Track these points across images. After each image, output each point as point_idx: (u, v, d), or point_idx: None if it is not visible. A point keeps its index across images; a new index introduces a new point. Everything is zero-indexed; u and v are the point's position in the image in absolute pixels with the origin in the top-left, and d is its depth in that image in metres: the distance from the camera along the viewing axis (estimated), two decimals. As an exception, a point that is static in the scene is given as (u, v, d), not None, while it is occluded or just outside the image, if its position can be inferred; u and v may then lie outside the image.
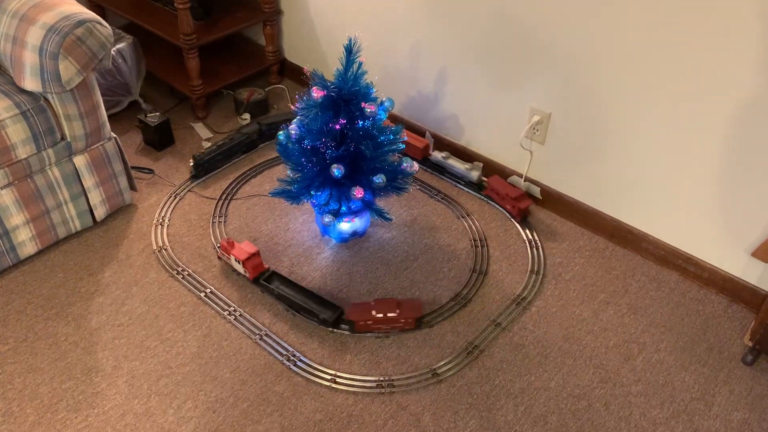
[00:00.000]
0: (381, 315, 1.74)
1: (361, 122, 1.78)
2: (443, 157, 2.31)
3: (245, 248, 1.88)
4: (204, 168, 2.30)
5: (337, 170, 1.75)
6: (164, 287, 1.91)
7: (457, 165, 2.27)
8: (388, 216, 1.93)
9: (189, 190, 2.25)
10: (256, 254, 1.88)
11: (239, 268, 1.91)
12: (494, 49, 2.04)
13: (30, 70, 1.77)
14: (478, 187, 2.26)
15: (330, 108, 1.75)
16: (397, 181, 1.88)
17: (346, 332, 1.79)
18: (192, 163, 2.27)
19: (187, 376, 1.69)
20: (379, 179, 1.80)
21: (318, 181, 1.83)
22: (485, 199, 2.23)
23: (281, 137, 1.88)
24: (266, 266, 1.93)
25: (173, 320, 1.82)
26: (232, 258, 1.90)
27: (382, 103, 1.83)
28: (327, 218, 1.87)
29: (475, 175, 2.24)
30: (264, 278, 1.89)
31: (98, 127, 1.95)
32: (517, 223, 2.14)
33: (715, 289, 1.92)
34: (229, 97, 2.73)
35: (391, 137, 1.83)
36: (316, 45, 2.63)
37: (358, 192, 1.78)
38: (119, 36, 2.47)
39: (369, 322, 1.76)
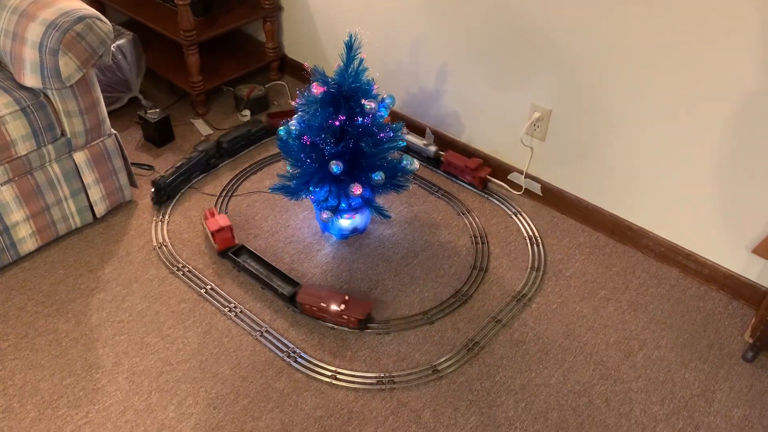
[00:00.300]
0: (324, 305, 1.76)
1: (360, 119, 1.77)
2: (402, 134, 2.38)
3: (219, 221, 1.96)
4: (167, 192, 2.16)
5: (335, 166, 1.74)
6: (164, 284, 1.91)
7: (415, 141, 2.35)
8: (387, 213, 1.93)
9: (190, 187, 2.25)
10: (227, 228, 1.96)
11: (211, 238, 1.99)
12: (495, 46, 2.04)
13: (30, 67, 1.76)
14: (435, 162, 2.33)
15: (330, 104, 1.75)
16: (396, 179, 1.88)
17: (296, 311, 1.83)
18: (153, 189, 2.14)
19: (188, 373, 1.69)
20: (378, 176, 1.80)
21: (317, 177, 1.83)
22: (444, 174, 2.31)
23: (282, 132, 1.88)
24: (236, 242, 1.99)
25: (174, 317, 1.82)
26: (207, 228, 1.98)
27: (383, 100, 1.83)
28: (325, 214, 1.87)
29: (432, 150, 2.31)
30: (233, 251, 1.95)
31: (98, 123, 1.95)
32: (480, 192, 2.23)
33: (715, 286, 1.92)
34: (229, 94, 2.73)
35: (391, 134, 1.83)
36: (317, 41, 2.63)
37: (356, 189, 1.78)
38: (119, 32, 2.46)
39: (314, 309, 1.78)
